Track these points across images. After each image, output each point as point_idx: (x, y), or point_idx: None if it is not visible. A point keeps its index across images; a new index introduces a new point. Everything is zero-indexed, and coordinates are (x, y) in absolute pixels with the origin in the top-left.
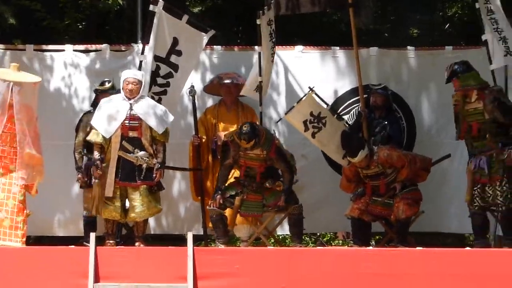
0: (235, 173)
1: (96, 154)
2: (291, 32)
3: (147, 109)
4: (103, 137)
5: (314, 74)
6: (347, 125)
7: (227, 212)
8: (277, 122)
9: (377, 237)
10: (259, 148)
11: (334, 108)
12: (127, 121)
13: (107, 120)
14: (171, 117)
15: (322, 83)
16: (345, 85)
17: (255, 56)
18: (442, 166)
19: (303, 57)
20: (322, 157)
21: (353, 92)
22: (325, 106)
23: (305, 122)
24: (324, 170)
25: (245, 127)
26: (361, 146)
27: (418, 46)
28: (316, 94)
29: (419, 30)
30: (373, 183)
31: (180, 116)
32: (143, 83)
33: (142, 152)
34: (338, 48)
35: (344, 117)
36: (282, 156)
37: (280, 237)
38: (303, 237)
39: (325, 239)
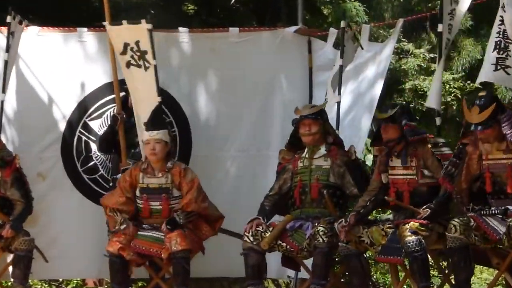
0: None
1: None
2: (24, 9)
3: None
4: None
5: (54, 63)
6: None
7: None
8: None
9: (140, 284)
10: None
11: (82, 109)
12: None
13: None
14: None
15: (66, 76)
16: (96, 80)
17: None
18: (227, 199)
19: (39, 41)
20: (66, 176)
21: (107, 88)
22: (153, 61)
23: (126, 45)
24: (69, 194)
25: None
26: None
27: (194, 27)
28: (150, 37)
29: (197, 6)
30: (151, 205)
31: None
32: None
33: None
34: (86, 29)
35: (94, 122)
36: (19, 181)
37: (9, 283)
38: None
39: (69, 287)
